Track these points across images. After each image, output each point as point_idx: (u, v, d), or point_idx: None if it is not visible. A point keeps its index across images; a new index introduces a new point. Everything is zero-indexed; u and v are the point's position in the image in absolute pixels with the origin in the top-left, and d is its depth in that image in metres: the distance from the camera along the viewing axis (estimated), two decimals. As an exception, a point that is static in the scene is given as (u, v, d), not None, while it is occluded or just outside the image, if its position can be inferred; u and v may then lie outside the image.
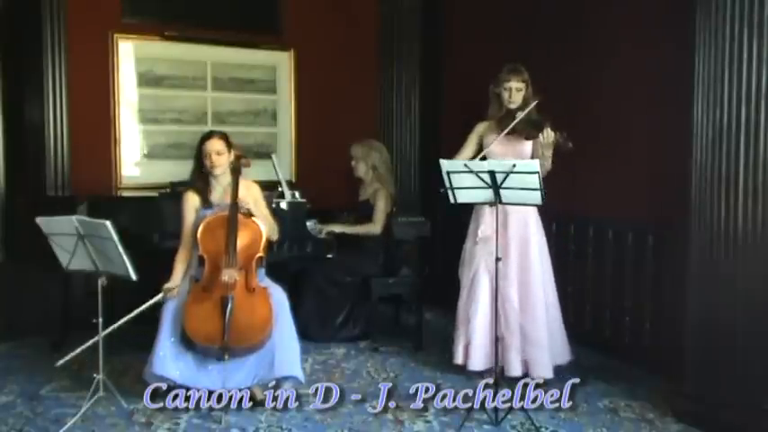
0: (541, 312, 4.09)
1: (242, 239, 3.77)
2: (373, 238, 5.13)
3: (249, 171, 4.04)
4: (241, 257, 3.74)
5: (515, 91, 4.12)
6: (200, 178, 3.96)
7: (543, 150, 4.02)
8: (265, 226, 3.90)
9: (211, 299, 3.67)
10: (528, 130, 4.01)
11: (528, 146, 4.12)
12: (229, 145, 3.95)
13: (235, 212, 3.78)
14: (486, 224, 4.15)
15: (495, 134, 4.10)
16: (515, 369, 4.08)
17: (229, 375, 3.67)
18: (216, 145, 3.89)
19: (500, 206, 3.91)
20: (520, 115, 4.01)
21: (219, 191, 3.94)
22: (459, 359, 4.25)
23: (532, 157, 4.09)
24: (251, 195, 3.96)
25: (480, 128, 4.28)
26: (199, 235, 3.78)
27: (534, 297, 4.10)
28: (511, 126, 4.00)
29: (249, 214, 3.84)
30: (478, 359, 4.15)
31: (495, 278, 3.84)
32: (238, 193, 3.83)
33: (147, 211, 4.72)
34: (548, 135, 3.88)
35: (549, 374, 4.06)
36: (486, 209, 4.08)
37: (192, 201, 3.94)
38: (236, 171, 3.89)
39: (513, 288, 4.10)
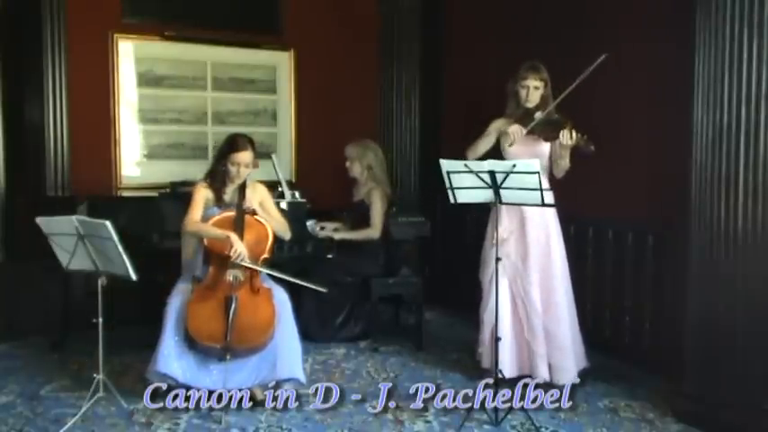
0: (564, 314, 4.02)
1: (248, 240, 3.78)
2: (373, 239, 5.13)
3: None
4: (246, 258, 3.75)
5: (533, 89, 4.05)
6: (219, 178, 3.95)
7: (561, 150, 3.98)
8: (272, 226, 3.91)
9: (215, 298, 3.67)
10: (547, 131, 3.94)
11: (546, 146, 4.06)
12: (255, 155, 3.95)
13: (241, 213, 3.80)
14: (502, 226, 4.02)
15: (509, 136, 3.99)
16: (543, 374, 3.99)
17: (230, 376, 3.67)
18: (248, 158, 3.88)
19: (517, 208, 3.90)
20: (539, 116, 3.95)
21: (230, 192, 3.95)
22: (486, 363, 4.16)
23: (550, 157, 4.07)
24: (258, 196, 3.99)
25: (497, 124, 4.17)
26: None
27: (555, 298, 4.02)
28: (529, 128, 3.93)
29: (253, 213, 3.86)
30: (507, 366, 4.00)
31: (517, 280, 3.88)
32: (245, 194, 3.87)
33: (147, 211, 4.72)
34: (567, 137, 3.83)
35: (575, 379, 4.00)
36: (503, 211, 4.00)
37: (204, 193, 3.93)
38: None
39: (535, 290, 4.03)
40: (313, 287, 3.91)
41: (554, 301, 4.04)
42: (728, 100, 3.41)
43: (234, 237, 3.70)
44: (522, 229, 4.06)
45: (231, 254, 3.66)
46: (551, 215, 4.09)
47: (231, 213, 3.83)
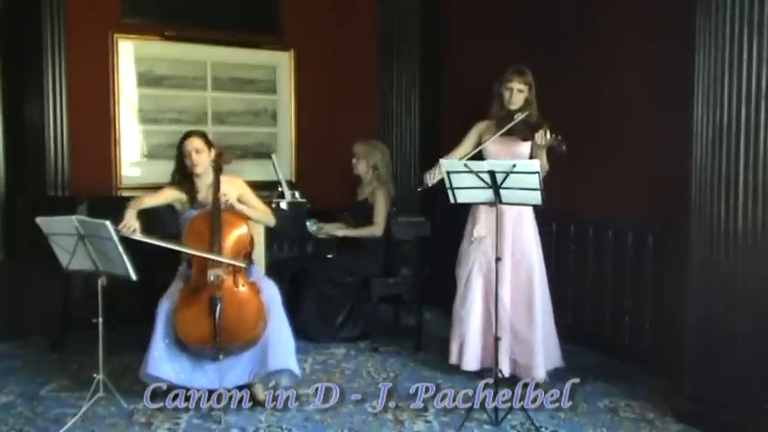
0: (536, 315, 4.06)
1: (228, 237, 3.78)
2: (373, 238, 5.13)
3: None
4: (227, 256, 3.74)
5: (517, 92, 4.11)
6: (186, 180, 3.98)
7: (536, 151, 4.03)
8: (255, 216, 3.93)
9: (200, 300, 3.66)
10: (524, 131, 4.02)
11: (524, 147, 4.13)
12: (209, 143, 3.98)
13: (218, 211, 3.77)
14: (481, 224, 4.15)
15: (493, 134, 4.10)
16: (504, 369, 4.05)
17: (225, 373, 3.67)
18: (194, 143, 3.93)
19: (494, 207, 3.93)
20: (518, 116, 4.02)
21: (204, 190, 3.95)
22: (453, 359, 4.26)
23: (530, 158, 4.10)
24: (235, 190, 3.97)
25: (481, 126, 4.28)
26: (184, 236, 3.79)
27: (528, 298, 4.08)
28: (507, 127, 4.01)
29: (231, 208, 3.85)
30: (471, 359, 4.16)
31: (492, 278, 3.87)
32: (221, 190, 3.84)
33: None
34: (542, 137, 3.89)
35: (542, 375, 4.04)
36: (482, 209, 4.08)
37: (171, 192, 3.99)
38: (217, 169, 3.91)
39: (505, 289, 4.08)
40: (235, 263, 3.78)
41: (525, 301, 4.09)
42: (728, 100, 3.41)
43: (128, 210, 3.73)
44: (500, 227, 4.08)
45: (120, 227, 3.63)
46: (528, 216, 4.14)
47: (208, 212, 3.81)
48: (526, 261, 4.11)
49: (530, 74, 4.14)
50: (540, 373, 4.04)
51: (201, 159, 3.91)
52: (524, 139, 4.08)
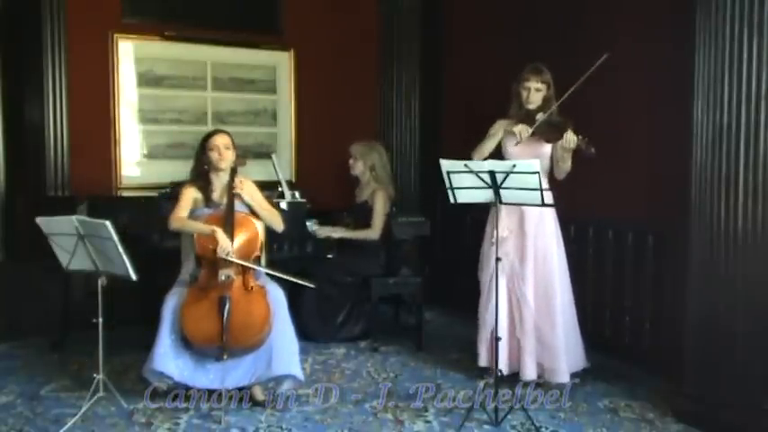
0: (559, 316, 4.02)
1: (239, 239, 3.78)
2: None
3: (249, 171, 4.06)
4: (238, 257, 3.74)
5: (534, 91, 4.07)
6: (202, 177, 3.97)
7: (562, 152, 3.99)
8: (262, 222, 3.92)
9: (208, 299, 3.66)
10: (548, 133, 3.96)
11: (547, 147, 4.07)
12: (234, 144, 3.99)
13: (231, 212, 3.78)
14: (502, 225, 4.02)
15: (515, 135, 4.01)
16: (530, 373, 4.03)
17: (227, 374, 3.67)
18: (224, 139, 3.95)
19: (517, 207, 3.91)
20: (540, 117, 3.96)
21: (219, 190, 3.96)
22: (483, 362, 4.19)
23: (551, 158, 4.08)
24: (246, 192, 3.97)
25: (502, 125, 4.16)
26: (195, 235, 3.78)
27: (552, 299, 4.03)
28: (530, 131, 3.95)
29: (241, 199, 3.85)
30: (503, 362, 4.03)
31: (515, 279, 3.89)
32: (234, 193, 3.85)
33: (147, 211, 4.72)
34: (569, 139, 3.86)
35: (566, 380, 4.01)
36: (503, 210, 4.02)
37: (191, 193, 3.95)
38: (233, 171, 3.92)
39: (529, 289, 4.04)
40: (302, 283, 3.87)
41: (549, 302, 4.05)
42: (728, 100, 3.41)
43: (219, 232, 3.69)
44: (521, 228, 4.07)
45: (217, 249, 3.66)
46: (550, 216, 4.10)
47: (221, 213, 3.82)
48: (547, 263, 4.06)
49: (547, 72, 4.09)
50: (565, 378, 4.00)
51: (228, 155, 3.93)
52: (548, 141, 4.01)
